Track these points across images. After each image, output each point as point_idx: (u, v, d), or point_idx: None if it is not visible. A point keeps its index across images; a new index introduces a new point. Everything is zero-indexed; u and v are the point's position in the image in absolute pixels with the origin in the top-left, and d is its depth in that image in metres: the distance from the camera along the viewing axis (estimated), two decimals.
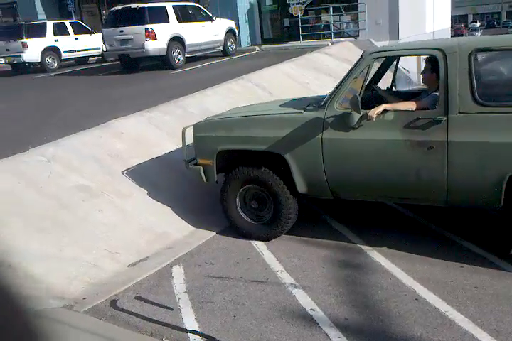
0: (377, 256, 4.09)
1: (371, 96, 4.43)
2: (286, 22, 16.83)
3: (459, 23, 50.66)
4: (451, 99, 3.57)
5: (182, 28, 11.96)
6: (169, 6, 11.84)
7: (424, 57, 4.16)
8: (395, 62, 4.92)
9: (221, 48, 13.61)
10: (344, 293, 3.56)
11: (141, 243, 4.49)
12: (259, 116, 4.46)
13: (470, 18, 63.51)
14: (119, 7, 11.76)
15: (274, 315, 3.31)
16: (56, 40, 14.95)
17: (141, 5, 11.36)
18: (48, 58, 14.65)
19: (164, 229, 4.77)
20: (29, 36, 14.26)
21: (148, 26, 11.15)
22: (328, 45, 13.51)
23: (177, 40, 11.81)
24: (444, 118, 3.58)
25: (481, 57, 3.82)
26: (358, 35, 15.41)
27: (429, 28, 18.43)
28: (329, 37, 15.61)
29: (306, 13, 15.96)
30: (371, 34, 14.66)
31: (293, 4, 16.23)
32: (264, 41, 17.32)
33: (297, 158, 4.12)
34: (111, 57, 12.47)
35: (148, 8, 11.35)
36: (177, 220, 4.96)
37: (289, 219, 4.39)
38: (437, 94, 3.73)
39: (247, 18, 16.82)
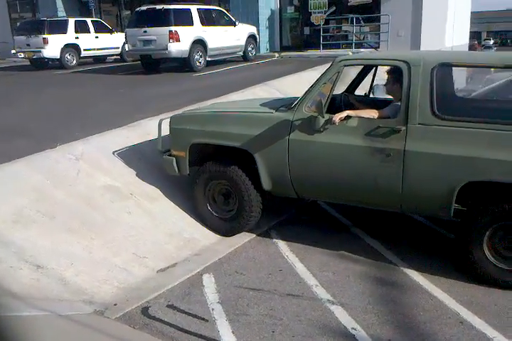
0: (415, 274, 3.95)
1: (341, 102, 4.68)
2: (307, 30, 16.80)
3: (473, 40, 50.75)
4: (412, 110, 3.69)
5: (205, 31, 11.91)
6: (194, 9, 11.80)
7: (387, 69, 4.30)
8: (373, 70, 5.02)
9: (241, 53, 13.56)
10: (385, 312, 3.42)
11: (169, 248, 4.37)
12: (232, 113, 4.65)
13: (484, 35, 63.49)
14: (144, 7, 11.74)
15: (315, 332, 3.17)
16: (77, 38, 14.93)
17: (166, 6, 11.32)
18: (67, 55, 14.63)
19: (192, 235, 4.65)
20: (50, 32, 14.25)
21: (173, 28, 11.09)
22: (349, 55, 13.42)
23: (199, 43, 11.76)
24: (403, 128, 3.69)
25: (443, 71, 3.85)
26: (378, 47, 15.35)
27: (449, 42, 18.36)
28: (349, 47, 15.56)
29: (327, 22, 15.89)
30: (392, 46, 14.57)
31: (314, 13, 16.21)
32: (283, 48, 17.29)
33: (264, 156, 4.28)
34: (133, 57, 12.41)
35: (173, 10, 11.30)
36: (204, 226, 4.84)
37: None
38: (399, 104, 3.82)
39: (267, 25, 16.79)
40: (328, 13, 15.94)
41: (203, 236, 4.69)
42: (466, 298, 3.58)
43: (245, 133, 4.35)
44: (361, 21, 16.27)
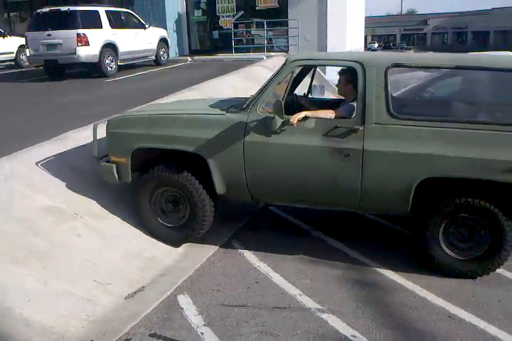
0: (389, 273, 3.98)
1: (290, 103, 4.61)
2: (215, 34, 16.65)
3: None
4: (368, 110, 3.73)
5: (115, 34, 11.27)
6: (102, 11, 11.10)
7: (339, 70, 4.34)
8: (312, 70, 5.05)
9: (154, 57, 13.05)
10: (376, 315, 3.38)
11: (131, 271, 3.97)
12: (181, 115, 4.36)
13: (369, 39, 68.02)
14: (46, 9, 10.77)
15: None
16: None
17: (72, 7, 10.54)
18: None
19: (152, 254, 4.28)
20: None
21: (81, 31, 10.33)
22: (263, 58, 13.54)
23: (110, 47, 11.08)
24: (361, 128, 3.72)
25: (395, 72, 3.98)
26: (288, 50, 15.65)
27: (349, 46, 19.34)
28: (259, 50, 15.66)
29: (235, 26, 15.87)
30: (301, 49, 14.92)
31: (223, 17, 16.15)
32: (192, 52, 16.96)
33: (218, 160, 4.09)
34: (36, 62, 11.34)
35: (80, 11, 10.54)
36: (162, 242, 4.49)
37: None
38: (353, 104, 3.87)
39: (174, 28, 16.37)
40: (236, 17, 15.94)
41: (163, 254, 4.34)
42: (445, 291, 3.67)
43: (197, 137, 4.11)
44: (264, 26, 16.36)
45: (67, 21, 10.39)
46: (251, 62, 13.04)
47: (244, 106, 4.08)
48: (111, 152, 4.48)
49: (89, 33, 10.50)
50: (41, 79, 11.50)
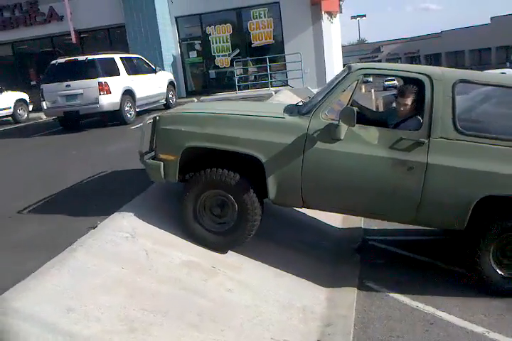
0: None
1: None
2: (212, 74, 16.74)
3: None
4: (434, 123, 3.76)
5: (132, 80, 11.14)
6: (117, 58, 10.99)
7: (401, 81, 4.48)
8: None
9: (164, 101, 12.94)
10: None
11: (295, 324, 3.72)
12: (237, 116, 4.20)
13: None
14: (61, 60, 10.57)
15: None
16: None
17: (89, 56, 10.38)
18: None
19: (302, 302, 4.04)
20: None
21: (102, 79, 10.15)
22: (272, 94, 13.66)
23: (128, 94, 10.92)
24: (426, 141, 3.74)
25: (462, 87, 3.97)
26: (287, 84, 15.86)
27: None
28: (261, 86, 15.77)
29: (233, 64, 16.02)
30: (299, 82, 15.10)
31: (219, 56, 16.32)
32: (189, 93, 16.98)
33: (274, 164, 3.97)
34: (53, 114, 10.99)
35: (98, 59, 10.38)
36: (303, 288, 4.27)
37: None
38: (419, 117, 3.90)
39: (171, 71, 16.38)
40: (232, 55, 16.14)
41: (311, 302, 4.10)
42: None
43: (254, 139, 3.97)
44: (251, 63, 16.56)
45: (86, 70, 10.21)
46: (260, 98, 13.12)
47: (304, 111, 4.05)
48: (160, 149, 4.28)
49: (110, 80, 10.33)
50: (57, 131, 11.15)
